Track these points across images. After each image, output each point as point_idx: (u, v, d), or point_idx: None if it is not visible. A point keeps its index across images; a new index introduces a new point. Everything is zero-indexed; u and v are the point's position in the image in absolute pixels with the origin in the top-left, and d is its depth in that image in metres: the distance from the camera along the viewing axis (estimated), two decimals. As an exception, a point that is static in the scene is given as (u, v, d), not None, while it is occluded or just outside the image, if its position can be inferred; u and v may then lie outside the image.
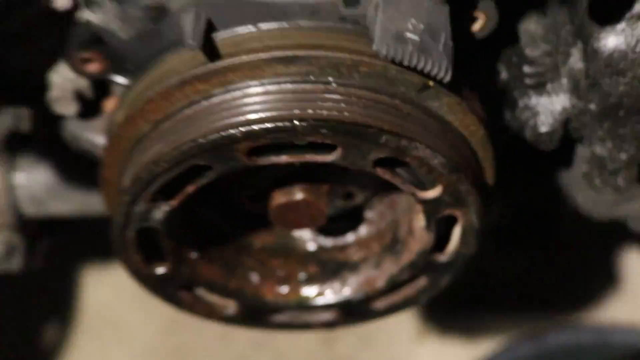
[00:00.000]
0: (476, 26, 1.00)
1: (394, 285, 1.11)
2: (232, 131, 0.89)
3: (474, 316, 1.71)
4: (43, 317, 1.88)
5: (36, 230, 1.40)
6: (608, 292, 1.75)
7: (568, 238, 1.36)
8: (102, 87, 1.09)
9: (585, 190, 1.15)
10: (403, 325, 1.16)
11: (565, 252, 1.65)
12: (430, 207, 0.99)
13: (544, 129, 1.08)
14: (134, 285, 1.07)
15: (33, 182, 1.35)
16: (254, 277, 1.14)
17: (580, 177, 1.13)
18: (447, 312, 1.73)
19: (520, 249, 1.39)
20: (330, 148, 0.91)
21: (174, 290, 1.10)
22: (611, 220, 1.21)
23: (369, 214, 1.17)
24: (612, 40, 0.99)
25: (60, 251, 1.54)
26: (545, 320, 1.71)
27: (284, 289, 1.14)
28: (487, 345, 1.71)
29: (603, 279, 1.76)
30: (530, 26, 1.07)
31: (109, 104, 1.10)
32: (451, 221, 1.02)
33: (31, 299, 1.84)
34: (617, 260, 1.78)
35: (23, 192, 1.35)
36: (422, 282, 1.10)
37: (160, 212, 0.99)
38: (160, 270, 1.07)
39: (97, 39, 0.98)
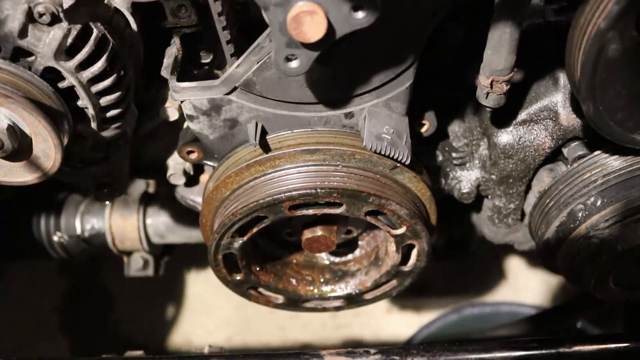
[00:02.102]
0: (424, 129, 1.22)
1: (377, 285, 1.29)
2: (279, 196, 1.07)
3: (421, 299, 2.11)
4: (165, 301, 2.21)
5: (160, 251, 1.67)
6: (499, 284, 2.16)
7: (476, 254, 1.59)
8: (199, 167, 1.30)
9: (489, 226, 1.34)
10: (379, 304, 1.34)
11: (475, 262, 2.01)
12: (398, 238, 1.16)
13: (465, 190, 1.28)
14: (219, 282, 1.25)
15: (157, 223, 1.61)
16: (293, 281, 1.31)
17: (486, 218, 1.34)
18: (405, 297, 2.12)
19: (449, 259, 1.61)
20: (338, 205, 1.09)
21: (245, 289, 1.26)
22: (504, 243, 1.37)
23: (361, 242, 1.35)
24: (505, 137, 1.19)
25: (175, 262, 1.81)
26: (463, 301, 2.12)
27: (311, 288, 1.31)
28: (429, 316, 2.08)
29: (497, 277, 2.16)
30: (455, 128, 1.28)
31: (204, 178, 1.31)
32: (411, 247, 1.20)
33: (158, 290, 2.19)
34: (505, 266, 2.17)
35: (151, 229, 1.61)
36: (393, 283, 1.27)
37: (237, 243, 1.16)
38: (238, 277, 1.22)
39: (195, 139, 1.16)
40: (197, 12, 1.06)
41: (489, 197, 1.29)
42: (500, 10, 0.93)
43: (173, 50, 1.12)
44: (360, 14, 0.83)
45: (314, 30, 0.83)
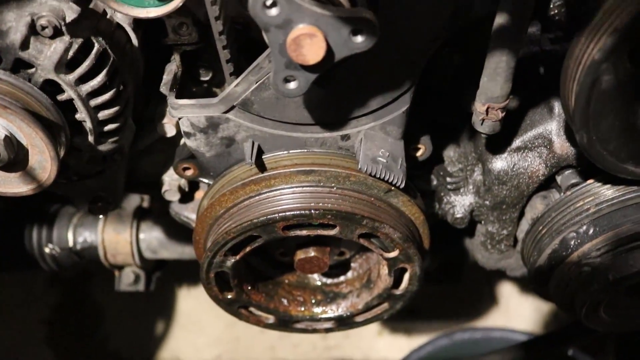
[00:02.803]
0: (419, 153, 1.23)
1: (368, 308, 1.30)
2: (273, 216, 1.08)
3: (412, 322, 2.15)
4: (155, 316, 2.23)
5: (152, 266, 1.68)
6: (491, 309, 2.20)
7: (468, 278, 1.64)
8: (194, 184, 1.32)
9: (482, 251, 1.35)
10: (369, 327, 1.37)
11: (467, 286, 2.03)
12: (391, 262, 1.18)
13: (458, 215, 1.30)
14: (209, 299, 1.26)
15: (150, 238, 1.62)
16: (284, 302, 1.32)
17: (479, 244, 1.34)
18: (396, 320, 2.14)
19: (441, 283, 1.67)
20: (332, 227, 1.11)
21: (236, 308, 1.28)
22: (496, 269, 1.38)
23: (353, 265, 1.37)
24: (499, 163, 1.21)
25: (166, 278, 1.83)
26: (454, 325, 2.15)
27: (302, 309, 1.33)
28: (419, 340, 2.09)
29: (489, 302, 2.20)
30: (450, 153, 1.29)
31: (198, 195, 1.33)
32: (403, 270, 1.21)
33: (148, 306, 2.20)
34: (496, 291, 2.20)
35: (144, 244, 1.62)
36: (385, 306, 1.29)
37: (229, 262, 1.17)
38: (229, 296, 1.24)
39: (192, 156, 1.17)
40: (198, 30, 1.07)
41: (482, 222, 1.29)
42: (497, 39, 0.94)
43: (173, 67, 1.14)
44: (359, 38, 0.85)
45: (313, 52, 0.84)
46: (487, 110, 1.04)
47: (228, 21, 1.03)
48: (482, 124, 1.06)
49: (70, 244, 1.65)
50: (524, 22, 0.91)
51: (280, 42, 0.85)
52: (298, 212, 1.08)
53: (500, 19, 0.91)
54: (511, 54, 0.96)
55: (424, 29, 0.99)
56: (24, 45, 0.96)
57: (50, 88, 0.99)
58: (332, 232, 1.12)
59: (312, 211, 1.08)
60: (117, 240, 1.64)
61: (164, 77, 1.12)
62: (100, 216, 1.63)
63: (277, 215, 1.08)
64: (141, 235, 1.64)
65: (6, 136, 0.98)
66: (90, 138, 1.07)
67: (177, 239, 1.61)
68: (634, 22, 0.83)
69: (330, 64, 0.87)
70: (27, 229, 1.64)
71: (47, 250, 1.66)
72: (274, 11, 0.82)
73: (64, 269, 1.70)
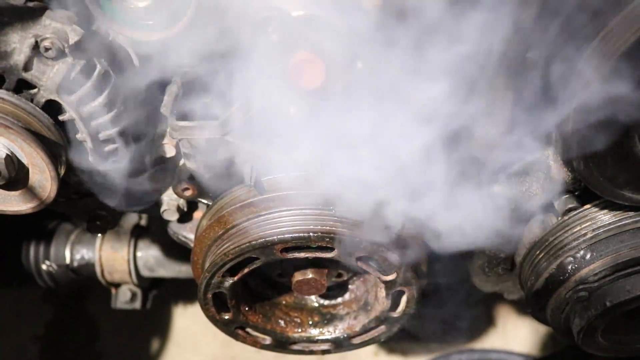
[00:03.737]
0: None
1: (365, 330, 1.32)
2: (272, 238, 1.10)
3: (409, 343, 2.13)
4: (151, 334, 2.19)
5: (149, 284, 1.70)
6: (488, 331, 2.18)
7: (467, 300, 1.65)
8: (193, 204, 1.32)
9: (479, 274, 1.36)
10: (365, 347, 1.40)
11: (466, 308, 1.95)
12: (388, 285, 1.20)
13: (456, 238, 1.26)
14: (206, 318, 1.26)
15: (148, 256, 1.64)
16: (281, 323, 1.35)
17: (476, 266, 1.34)
18: (392, 340, 2.10)
19: (438, 306, 1.68)
20: (330, 249, 1.12)
21: (233, 329, 1.30)
22: (493, 292, 1.40)
23: (351, 287, 1.39)
24: (497, 188, 1.19)
25: (163, 295, 1.84)
26: (451, 347, 2.13)
27: (299, 330, 1.35)
28: (416, 361, 2.00)
29: (485, 324, 2.19)
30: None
31: (197, 215, 1.33)
32: (401, 293, 1.23)
33: (144, 323, 2.16)
34: (494, 312, 2.19)
35: (141, 262, 1.64)
36: (382, 328, 1.30)
37: (227, 283, 1.19)
38: (226, 316, 1.26)
39: (191, 176, 1.19)
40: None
41: (481, 247, 1.31)
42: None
43: (174, 89, 1.14)
44: (359, 65, 0.88)
45: (313, 77, 0.86)
46: (485, 136, 1.05)
47: (230, 44, 1.03)
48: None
49: (68, 261, 1.66)
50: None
51: (281, 67, 0.88)
52: (297, 234, 1.09)
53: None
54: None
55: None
56: (28, 66, 0.99)
57: (51, 107, 1.01)
58: (330, 255, 1.13)
59: (311, 234, 1.09)
60: (115, 258, 1.64)
61: (165, 98, 1.13)
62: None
63: (275, 237, 1.10)
64: (138, 253, 1.65)
65: (7, 155, 0.99)
66: (91, 157, 1.08)
67: (174, 258, 1.62)
68: (633, 48, 0.86)
69: (331, 88, 0.90)
70: (24, 246, 1.65)
71: (44, 267, 1.66)
72: (274, 37, 0.84)
73: (61, 286, 1.71)
